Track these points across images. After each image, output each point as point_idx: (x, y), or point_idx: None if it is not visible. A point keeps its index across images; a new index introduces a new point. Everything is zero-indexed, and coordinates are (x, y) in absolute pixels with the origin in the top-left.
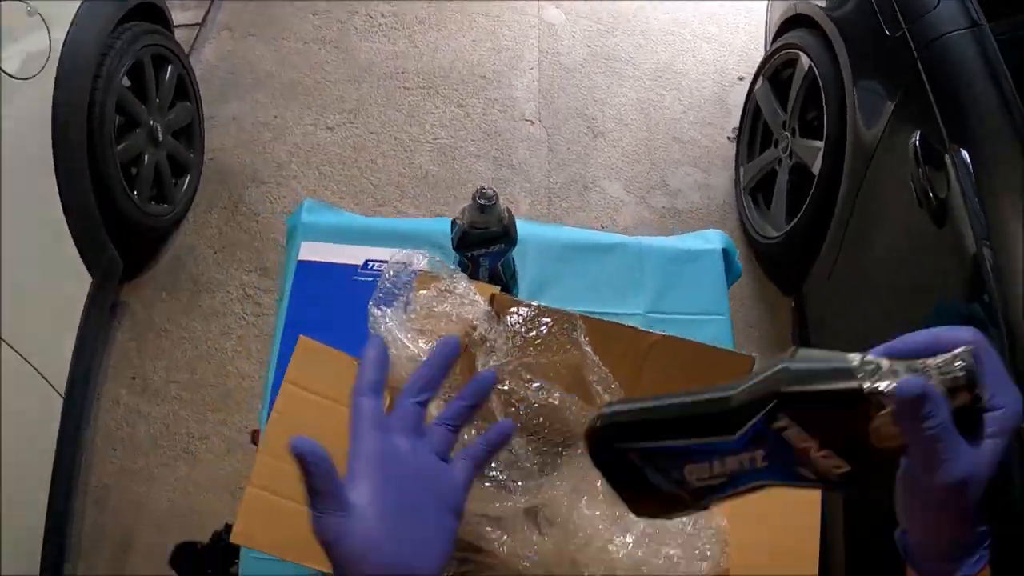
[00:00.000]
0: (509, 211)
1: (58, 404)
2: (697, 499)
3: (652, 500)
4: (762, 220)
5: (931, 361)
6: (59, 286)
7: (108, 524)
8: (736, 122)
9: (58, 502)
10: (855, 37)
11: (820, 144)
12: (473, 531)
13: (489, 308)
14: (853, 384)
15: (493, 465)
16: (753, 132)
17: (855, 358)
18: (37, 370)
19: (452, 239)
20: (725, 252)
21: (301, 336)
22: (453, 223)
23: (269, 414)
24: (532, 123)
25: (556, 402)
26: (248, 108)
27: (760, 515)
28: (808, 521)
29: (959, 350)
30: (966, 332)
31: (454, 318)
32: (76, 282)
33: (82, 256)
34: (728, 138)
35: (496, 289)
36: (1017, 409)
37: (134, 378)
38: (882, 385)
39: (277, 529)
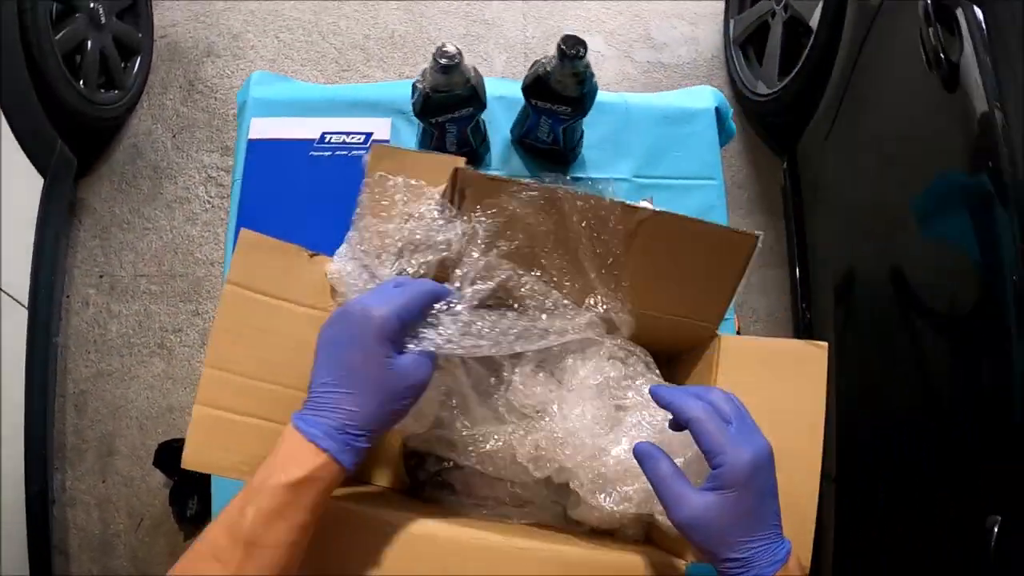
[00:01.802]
0: (476, 70)
1: (23, 314)
2: None
3: None
4: (753, 76)
5: None
6: (8, 191)
7: (89, 429)
8: None
9: (35, 414)
10: None
11: None
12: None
13: (444, 200)
14: None
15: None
16: None
17: None
18: None
19: (413, 105)
20: (718, 111)
21: (243, 229)
22: (414, 88)
23: None
24: None
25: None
26: None
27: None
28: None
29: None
30: (696, 407)
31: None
32: (26, 185)
33: (30, 157)
34: None
35: (461, 161)
36: (739, 462)
37: (101, 277)
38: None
39: (232, 449)
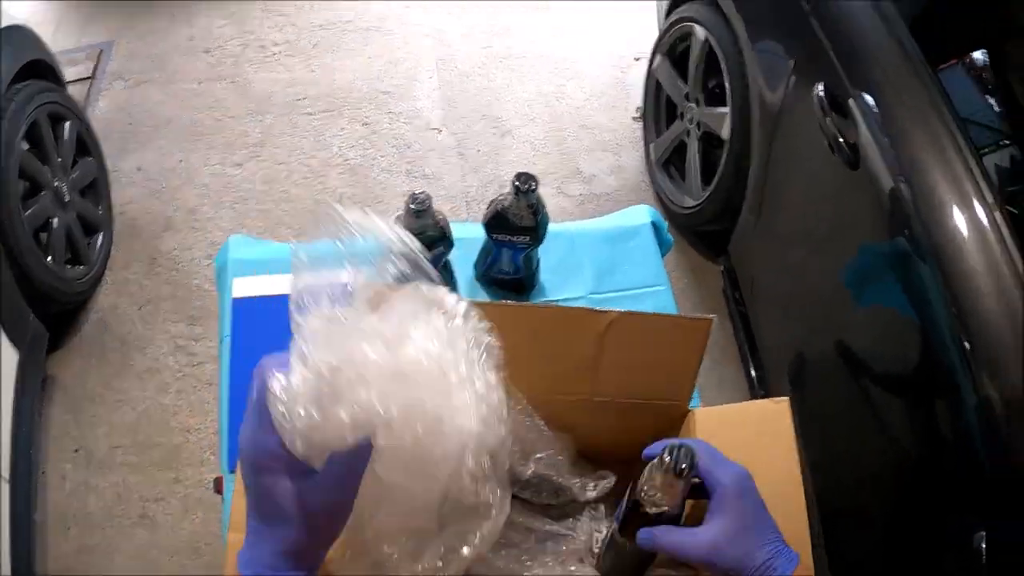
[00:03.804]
0: (443, 214)
1: (4, 488)
2: None
3: None
4: (678, 192)
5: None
6: None
7: None
8: (638, 101)
9: None
10: (748, 3)
11: (726, 110)
12: None
13: None
14: None
15: None
16: (657, 108)
17: None
18: None
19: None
20: (654, 225)
21: None
22: None
23: (231, 459)
24: (439, 131)
25: None
26: (152, 156)
27: None
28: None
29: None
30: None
31: None
32: (4, 357)
33: (5, 329)
34: (633, 118)
35: None
36: (729, 479)
37: (77, 451)
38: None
39: None
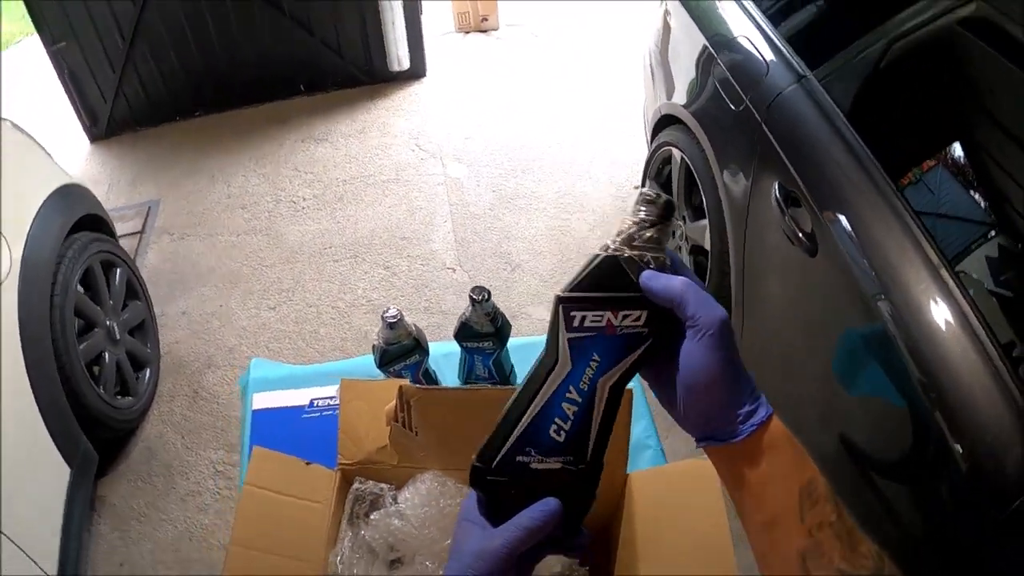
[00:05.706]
0: (416, 325)
1: None
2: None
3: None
4: None
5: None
6: (41, 477)
7: None
8: None
9: None
10: (710, 122)
11: (706, 223)
12: None
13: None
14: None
15: None
16: None
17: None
18: (32, 559)
19: (375, 361)
20: None
21: (255, 447)
22: (373, 347)
23: None
24: (454, 270)
25: None
26: (195, 302)
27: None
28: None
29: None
30: (678, 284)
31: None
32: (56, 473)
33: (59, 448)
34: None
35: (405, 381)
36: (714, 314)
37: (122, 565)
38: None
39: None
